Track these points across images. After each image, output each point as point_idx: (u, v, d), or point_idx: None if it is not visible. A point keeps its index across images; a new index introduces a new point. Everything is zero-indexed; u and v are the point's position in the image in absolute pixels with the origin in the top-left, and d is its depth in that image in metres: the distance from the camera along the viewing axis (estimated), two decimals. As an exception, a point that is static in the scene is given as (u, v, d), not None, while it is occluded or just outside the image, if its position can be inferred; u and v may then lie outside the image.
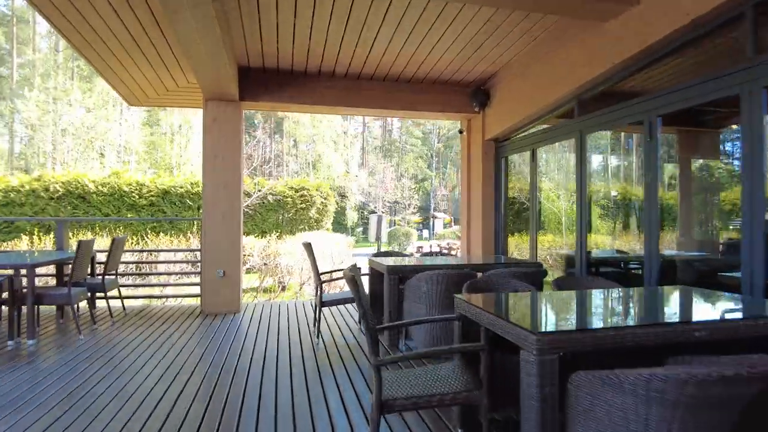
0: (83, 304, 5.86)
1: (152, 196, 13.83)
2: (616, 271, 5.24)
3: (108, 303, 5.61)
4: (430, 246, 16.45)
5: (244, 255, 10.38)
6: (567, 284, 3.61)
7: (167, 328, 5.27)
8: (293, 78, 6.24)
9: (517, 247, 6.91)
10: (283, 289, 10.07)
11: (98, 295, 5.71)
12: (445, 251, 15.13)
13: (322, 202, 16.12)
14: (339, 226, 31.22)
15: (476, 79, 6.57)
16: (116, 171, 14.37)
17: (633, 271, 5.07)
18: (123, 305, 6.03)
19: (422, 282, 4.10)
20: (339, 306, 6.34)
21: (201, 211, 6.21)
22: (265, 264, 9.77)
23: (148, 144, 32.09)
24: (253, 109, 7.11)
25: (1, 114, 29.37)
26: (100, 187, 13.30)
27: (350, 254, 12.52)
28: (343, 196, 34.46)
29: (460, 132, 7.24)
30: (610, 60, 4.19)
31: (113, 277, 5.82)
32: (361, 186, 38.43)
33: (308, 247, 4.68)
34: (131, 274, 7.82)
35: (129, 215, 13.54)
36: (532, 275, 4.33)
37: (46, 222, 12.65)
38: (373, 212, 34.82)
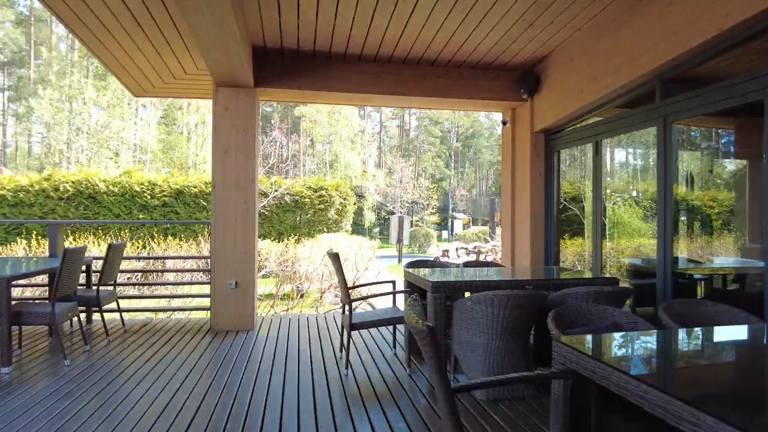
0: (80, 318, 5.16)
1: (165, 196, 13.22)
2: (709, 289, 4.32)
3: (103, 319, 4.89)
4: (456, 249, 15.50)
5: (260, 260, 9.66)
6: (682, 312, 2.73)
7: (170, 349, 4.52)
8: (315, 61, 5.46)
9: (572, 255, 6.04)
10: (302, 296, 9.31)
11: (96, 309, 5.03)
12: (473, 255, 14.21)
13: (341, 203, 15.33)
14: (356, 227, 30.48)
15: (524, 61, 5.69)
16: (128, 170, 13.82)
17: (733, 288, 4.17)
18: (122, 320, 5.31)
19: (481, 305, 3.26)
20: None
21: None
22: (282, 270, 9.02)
23: (163, 143, 31.80)
24: (269, 99, 6.36)
25: (18, 115, 29.38)
26: (111, 187, 12.74)
27: (374, 257, 11.71)
28: (360, 196, 33.73)
29: (504, 123, 6.37)
30: (712, 28, 3.28)
31: (111, 288, 5.11)
32: (378, 186, 37.67)
33: (335, 257, 3.88)
34: (134, 284, 7.10)
35: (141, 216, 12.96)
36: (614, 296, 3.47)
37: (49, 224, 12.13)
38: (392, 213, 34.02)
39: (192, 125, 31.33)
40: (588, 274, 4.81)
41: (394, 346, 4.48)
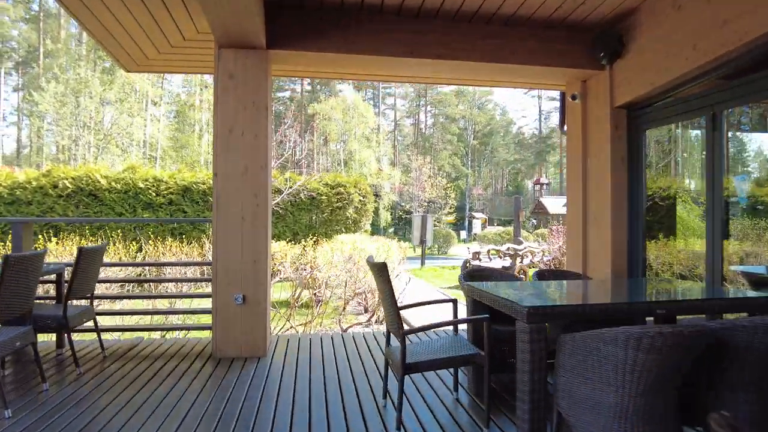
0: (35, 346, 4.13)
1: (171, 193, 12.23)
2: None
3: (72, 345, 3.80)
4: (488, 252, 14.25)
5: (273, 266, 8.58)
6: None
7: (157, 387, 3.43)
8: (342, 16, 4.33)
9: (663, 259, 4.87)
10: (320, 303, 8.19)
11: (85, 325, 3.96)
12: (507, 257, 12.97)
13: (360, 201, 14.20)
14: (371, 226, 29.38)
15: (604, 18, 4.50)
16: (132, 165, 12.87)
17: None
18: (101, 344, 4.24)
19: (615, 347, 2.10)
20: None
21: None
22: (299, 276, 7.91)
23: (174, 140, 31.02)
24: (283, 73, 5.28)
25: (30, 112, 28.86)
26: (113, 184, 11.79)
27: (404, 260, 10.55)
28: (376, 195, 32.60)
29: (573, 98, 5.17)
30: None
31: (87, 304, 4.06)
32: (394, 185, 36.58)
33: (380, 270, 2.75)
34: (117, 297, 5.93)
35: (146, 215, 11.99)
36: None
37: (51, 222, 11.24)
38: (408, 212, 32.92)
39: (204, 123, 30.55)
40: (696, 286, 3.65)
41: (456, 389, 3.31)
